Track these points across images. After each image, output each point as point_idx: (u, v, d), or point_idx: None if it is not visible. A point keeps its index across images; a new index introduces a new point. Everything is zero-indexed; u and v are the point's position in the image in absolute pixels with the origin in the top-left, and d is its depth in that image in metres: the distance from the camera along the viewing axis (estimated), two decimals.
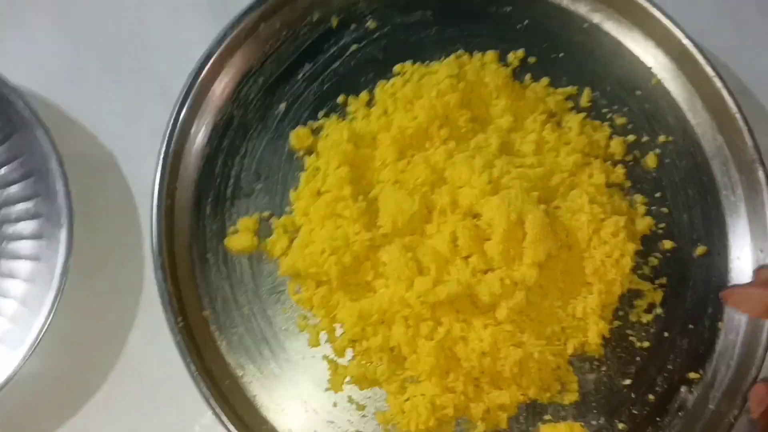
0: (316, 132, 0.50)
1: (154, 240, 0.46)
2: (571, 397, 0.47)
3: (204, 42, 0.49)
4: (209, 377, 0.45)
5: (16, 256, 0.46)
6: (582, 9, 0.52)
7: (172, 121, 0.48)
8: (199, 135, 0.49)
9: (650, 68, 0.52)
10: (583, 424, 0.46)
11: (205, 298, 0.47)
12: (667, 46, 0.51)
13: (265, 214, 0.49)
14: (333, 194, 0.47)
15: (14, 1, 0.52)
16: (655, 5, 0.50)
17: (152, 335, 0.47)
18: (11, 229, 0.46)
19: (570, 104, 0.51)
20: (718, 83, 0.49)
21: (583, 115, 0.51)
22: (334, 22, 0.51)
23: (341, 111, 0.50)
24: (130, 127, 0.51)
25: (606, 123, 0.51)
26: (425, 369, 0.45)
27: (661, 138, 0.51)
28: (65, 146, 0.47)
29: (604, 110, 0.52)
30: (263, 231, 0.49)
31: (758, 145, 0.49)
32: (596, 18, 0.52)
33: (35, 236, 0.46)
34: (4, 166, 0.46)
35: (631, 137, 0.51)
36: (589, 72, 0.52)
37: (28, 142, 0.46)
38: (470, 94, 0.49)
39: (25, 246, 0.46)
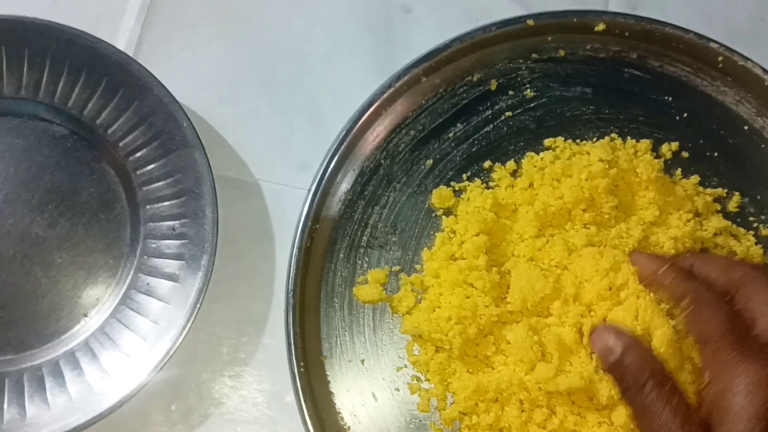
0: (458, 193, 0.50)
1: (291, 279, 0.46)
2: None
3: (359, 86, 0.50)
4: (319, 424, 0.45)
5: (155, 274, 0.47)
6: (745, 111, 0.51)
7: (325, 161, 0.48)
8: (346, 179, 0.49)
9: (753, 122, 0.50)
10: None
11: (326, 343, 0.48)
12: None
13: (396, 268, 0.49)
14: (467, 262, 0.46)
15: (186, 18, 0.53)
16: None
17: (270, 371, 0.48)
18: (154, 245, 0.47)
19: (717, 206, 0.50)
20: None
21: (728, 222, 0.49)
22: (494, 85, 0.51)
23: (486, 176, 0.50)
24: (278, 159, 0.51)
25: (750, 232, 0.50)
26: None
27: None
28: (215, 169, 0.47)
29: (751, 218, 0.50)
30: (391, 285, 0.49)
31: None
32: (758, 123, 0.51)
33: (177, 257, 0.46)
34: (158, 181, 0.47)
35: None
36: (742, 176, 0.50)
37: (186, 162, 0.47)
38: (620, 181, 0.48)
39: (165, 265, 0.47)
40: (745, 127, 0.51)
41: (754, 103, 0.51)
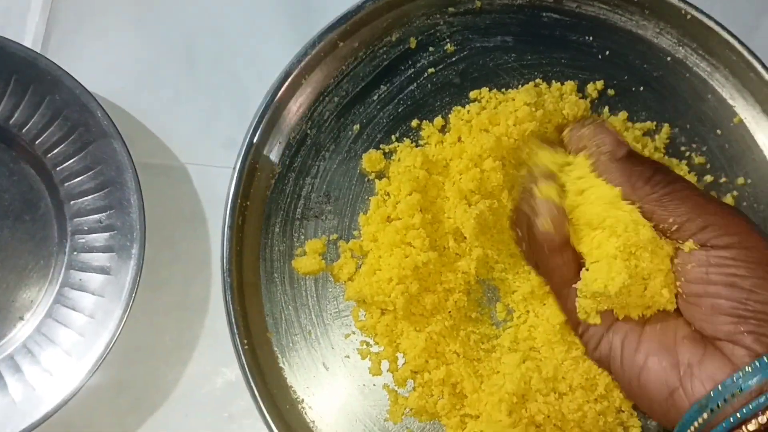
0: (388, 155, 0.49)
1: (225, 259, 0.46)
2: None
3: (280, 55, 0.49)
4: (271, 400, 0.45)
5: (86, 268, 0.46)
6: (666, 43, 0.51)
7: (248, 137, 0.47)
8: (273, 152, 0.49)
9: (733, 107, 0.50)
10: None
11: (270, 319, 0.47)
12: (752, 87, 0.49)
13: (334, 236, 0.48)
14: (403, 222, 0.46)
15: (94, 7, 0.51)
16: (742, 44, 0.49)
17: (215, 353, 0.47)
18: (83, 240, 0.46)
19: (648, 140, 0.50)
20: None
21: (660, 154, 0.49)
22: (413, 43, 0.50)
23: (415, 135, 0.50)
24: (203, 140, 0.50)
25: (683, 161, 0.50)
26: (487, 410, 0.44)
27: (740, 180, 0.49)
28: (137, 156, 0.47)
29: (683, 148, 0.50)
30: (331, 254, 0.48)
31: None
32: (680, 53, 0.51)
33: (107, 249, 0.46)
34: (80, 176, 0.46)
35: (708, 177, 0.50)
36: (670, 108, 0.51)
37: (105, 153, 0.46)
38: (547, 124, 0.48)
39: (96, 258, 0.46)
40: (668, 59, 0.51)
41: (674, 33, 0.50)
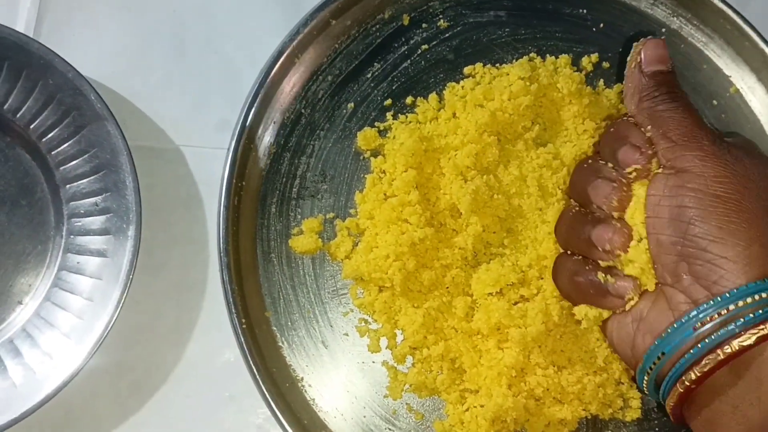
0: (383, 133, 0.49)
1: (221, 239, 0.46)
2: (633, 414, 0.46)
3: (271, 36, 0.48)
4: (270, 379, 0.45)
5: (84, 252, 0.46)
6: (660, 13, 0.50)
7: (242, 117, 0.47)
8: (267, 132, 0.49)
9: (729, 77, 0.50)
10: None
11: (268, 298, 0.47)
12: (747, 56, 0.49)
13: (330, 215, 0.48)
14: (399, 199, 0.46)
15: None
16: (737, 13, 0.48)
17: (215, 334, 0.47)
18: (79, 223, 0.46)
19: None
20: None
21: None
22: (406, 20, 0.50)
23: (409, 112, 0.49)
24: (197, 121, 0.50)
25: None
26: (486, 384, 0.44)
27: None
28: (132, 139, 0.46)
29: None
30: (327, 232, 0.48)
31: None
32: (675, 23, 0.50)
33: (103, 232, 0.46)
34: (75, 159, 0.46)
35: None
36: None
37: (100, 136, 0.46)
38: (542, 98, 0.48)
39: (92, 241, 0.46)
40: (663, 30, 0.50)
41: (668, 4, 0.50)
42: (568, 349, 0.45)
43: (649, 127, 0.42)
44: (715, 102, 0.50)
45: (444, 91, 0.49)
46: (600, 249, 0.42)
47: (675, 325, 0.38)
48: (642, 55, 0.44)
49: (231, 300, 0.45)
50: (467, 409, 0.45)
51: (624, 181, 0.42)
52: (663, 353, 0.39)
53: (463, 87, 0.49)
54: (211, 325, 0.47)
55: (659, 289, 0.41)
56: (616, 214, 0.42)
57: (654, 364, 0.39)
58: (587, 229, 0.42)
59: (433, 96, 0.49)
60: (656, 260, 0.40)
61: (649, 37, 0.45)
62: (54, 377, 0.44)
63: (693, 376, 0.37)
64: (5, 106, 0.46)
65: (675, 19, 0.50)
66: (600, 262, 0.42)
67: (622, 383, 0.46)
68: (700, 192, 0.39)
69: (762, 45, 0.48)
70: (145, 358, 0.47)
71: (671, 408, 0.40)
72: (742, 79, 0.50)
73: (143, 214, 0.46)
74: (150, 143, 0.49)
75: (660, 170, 0.41)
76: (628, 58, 0.45)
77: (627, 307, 0.42)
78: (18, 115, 0.47)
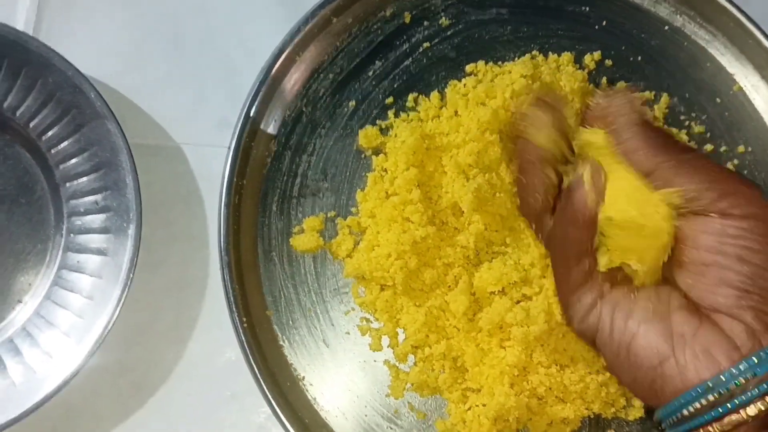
0: (385, 131, 0.49)
1: (222, 238, 0.45)
2: (636, 413, 0.46)
3: (271, 34, 0.48)
4: (272, 378, 0.45)
5: (84, 250, 0.46)
6: (663, 11, 0.50)
7: (243, 115, 0.47)
8: (268, 131, 0.48)
9: (732, 75, 0.49)
10: None
11: (269, 297, 0.47)
12: (751, 54, 0.49)
13: (331, 214, 0.48)
14: (401, 197, 0.46)
15: None
16: (740, 10, 0.48)
17: (216, 332, 0.47)
18: (79, 221, 0.46)
19: (647, 110, 0.49)
20: None
21: (660, 123, 0.49)
22: (407, 17, 0.50)
23: (411, 110, 0.49)
24: (197, 119, 0.50)
25: (683, 131, 0.49)
26: (488, 383, 0.44)
27: (740, 148, 0.49)
28: (131, 137, 0.46)
29: (682, 117, 0.50)
30: (329, 231, 0.48)
31: None
32: (678, 21, 0.50)
33: (103, 230, 0.46)
34: (75, 157, 0.46)
35: (708, 146, 0.49)
36: (668, 77, 0.50)
37: (99, 134, 0.45)
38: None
39: (92, 240, 0.46)
40: (666, 27, 0.50)
41: (671, 1, 0.50)
42: (570, 347, 0.45)
43: (678, 179, 0.40)
44: (718, 100, 0.49)
45: (446, 89, 0.49)
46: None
47: (754, 359, 0.37)
48: (627, 111, 0.43)
49: (232, 299, 0.45)
50: (469, 408, 0.45)
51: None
52: (735, 383, 0.37)
53: (465, 85, 0.49)
54: (212, 323, 0.47)
55: (705, 314, 0.40)
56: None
57: (719, 393, 0.37)
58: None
59: (434, 94, 0.49)
60: (713, 291, 0.39)
61: (601, 95, 0.45)
62: (54, 376, 0.43)
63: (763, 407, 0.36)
64: (5, 105, 0.46)
65: (678, 16, 0.50)
66: None
67: None
68: (766, 237, 0.39)
69: (766, 43, 0.48)
70: (145, 357, 0.47)
71: None
72: (746, 77, 0.49)
73: (143, 212, 0.45)
74: (150, 141, 0.49)
75: (713, 215, 0.40)
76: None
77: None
78: (17, 114, 0.46)
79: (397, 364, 0.46)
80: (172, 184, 0.49)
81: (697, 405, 0.37)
